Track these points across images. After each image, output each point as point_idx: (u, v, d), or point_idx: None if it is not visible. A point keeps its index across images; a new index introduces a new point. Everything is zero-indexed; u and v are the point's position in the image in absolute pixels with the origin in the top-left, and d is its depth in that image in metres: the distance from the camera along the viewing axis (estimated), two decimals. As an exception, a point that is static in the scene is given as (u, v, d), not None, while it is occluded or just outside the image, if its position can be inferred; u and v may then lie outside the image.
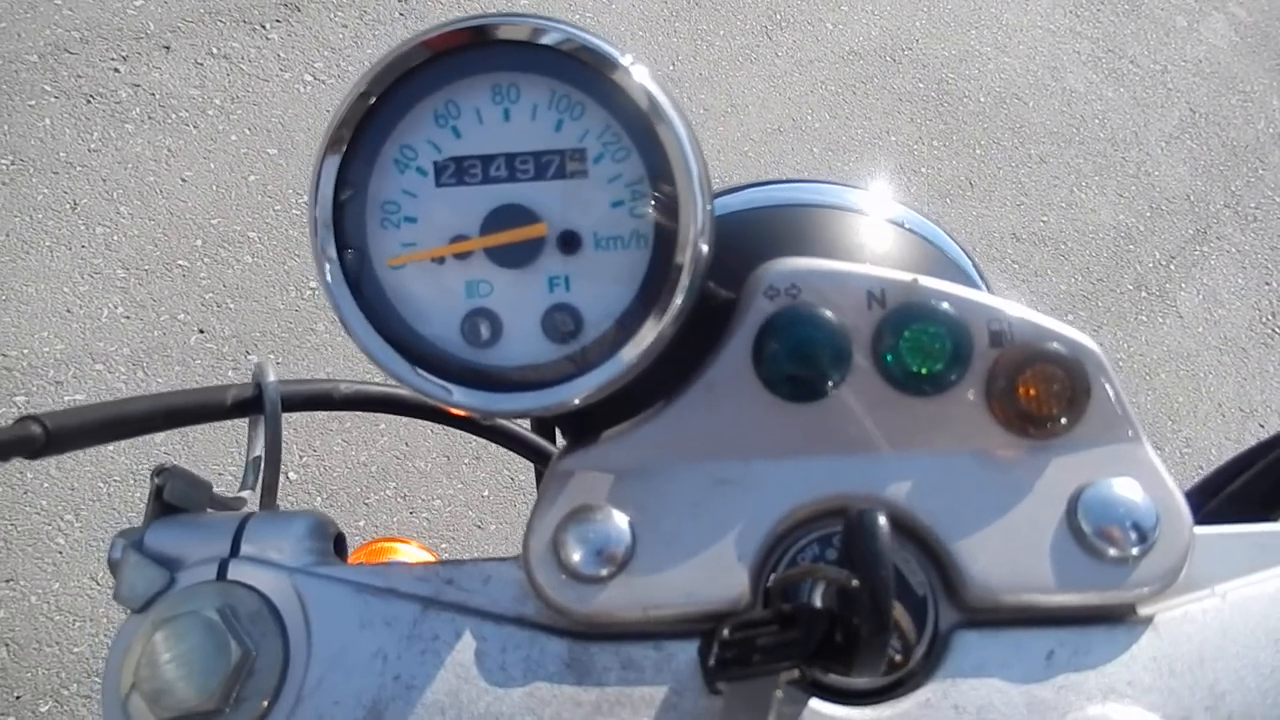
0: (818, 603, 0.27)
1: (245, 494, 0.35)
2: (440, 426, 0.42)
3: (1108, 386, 0.29)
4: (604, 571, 0.28)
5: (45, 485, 1.61)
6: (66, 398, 1.68)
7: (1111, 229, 2.59)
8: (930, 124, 2.58)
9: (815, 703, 0.27)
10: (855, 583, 0.23)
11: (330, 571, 0.29)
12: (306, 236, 0.27)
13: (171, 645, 0.28)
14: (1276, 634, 0.26)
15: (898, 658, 0.27)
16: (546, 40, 0.27)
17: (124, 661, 0.28)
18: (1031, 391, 0.28)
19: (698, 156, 0.28)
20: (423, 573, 0.29)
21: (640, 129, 0.28)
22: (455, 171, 0.28)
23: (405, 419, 0.40)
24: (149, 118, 2.08)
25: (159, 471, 0.33)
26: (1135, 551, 0.27)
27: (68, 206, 1.92)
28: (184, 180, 2.02)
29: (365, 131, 0.28)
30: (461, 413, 0.38)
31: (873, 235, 0.42)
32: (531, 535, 0.28)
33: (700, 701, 0.25)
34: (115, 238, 1.90)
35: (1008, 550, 0.27)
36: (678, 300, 0.28)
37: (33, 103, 2.02)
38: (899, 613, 0.27)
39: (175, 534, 0.31)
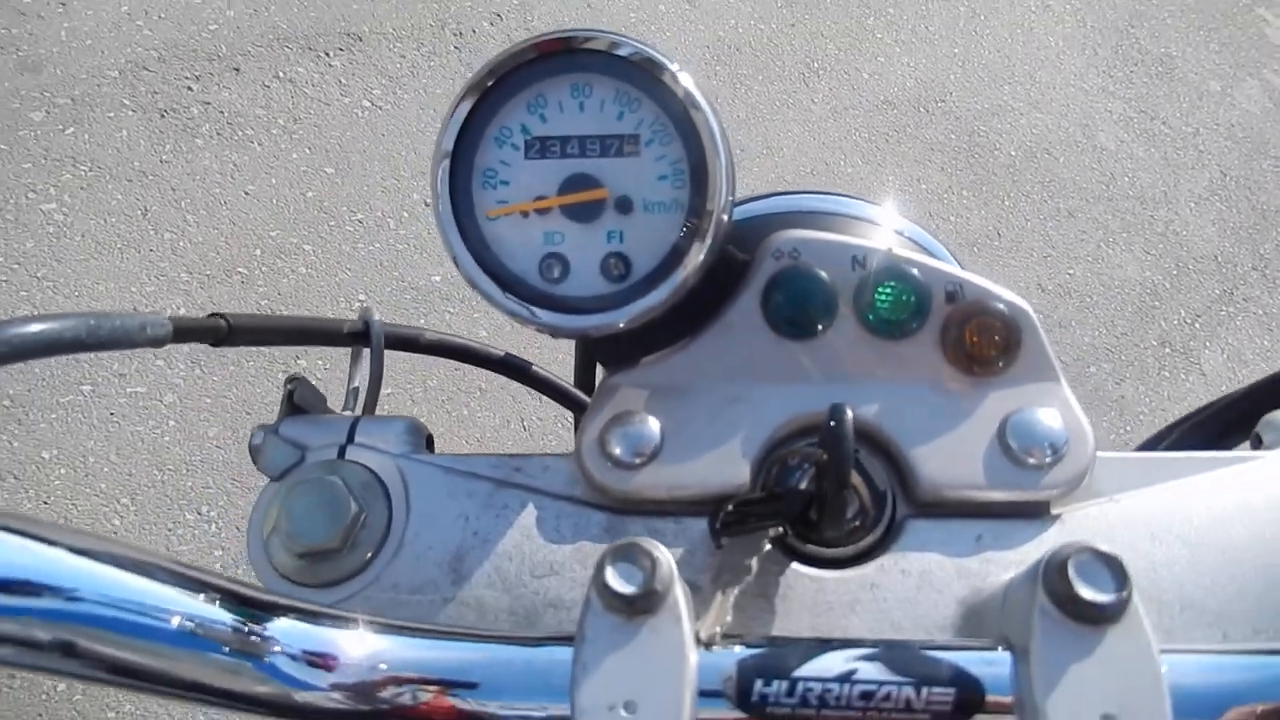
0: (800, 486, 0.34)
1: (347, 413, 0.43)
2: (499, 378, 0.50)
3: (1036, 337, 0.37)
4: (638, 461, 0.36)
5: (105, 469, 1.71)
6: (129, 389, 1.79)
7: (1138, 285, 2.62)
8: (960, 174, 2.66)
9: (796, 565, 0.34)
10: (825, 456, 0.31)
11: (424, 458, 0.37)
12: (429, 197, 0.35)
13: (304, 502, 0.36)
14: (1152, 529, 0.33)
15: (863, 535, 0.35)
16: (618, 51, 0.36)
17: (265, 514, 0.36)
18: (975, 338, 0.36)
19: (725, 145, 0.37)
20: (496, 461, 0.37)
21: (682, 121, 0.37)
22: (540, 148, 0.37)
23: (472, 369, 0.48)
24: (217, 134, 2.21)
25: (291, 380, 0.41)
26: (1049, 461, 0.34)
27: (139, 212, 2.05)
28: (247, 193, 2.14)
29: (473, 115, 0.37)
30: (524, 372, 0.47)
31: (873, 237, 0.50)
32: (583, 433, 0.36)
33: (707, 559, 0.32)
34: (181, 244, 2.02)
35: (951, 458, 0.35)
36: (701, 254, 0.37)
37: (112, 115, 2.16)
38: (863, 493, 0.35)
39: (302, 427, 0.39)
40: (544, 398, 0.51)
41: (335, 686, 0.28)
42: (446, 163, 0.36)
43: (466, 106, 0.36)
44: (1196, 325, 2.61)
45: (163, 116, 2.19)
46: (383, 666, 0.28)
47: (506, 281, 0.37)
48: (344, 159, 2.27)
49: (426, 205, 2.22)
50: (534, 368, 0.49)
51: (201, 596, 0.28)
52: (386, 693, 0.28)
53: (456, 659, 0.28)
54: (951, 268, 0.38)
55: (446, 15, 2.62)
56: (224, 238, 2.05)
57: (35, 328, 0.31)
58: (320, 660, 0.28)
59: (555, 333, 0.37)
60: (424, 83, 2.48)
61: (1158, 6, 3.20)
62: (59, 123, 2.12)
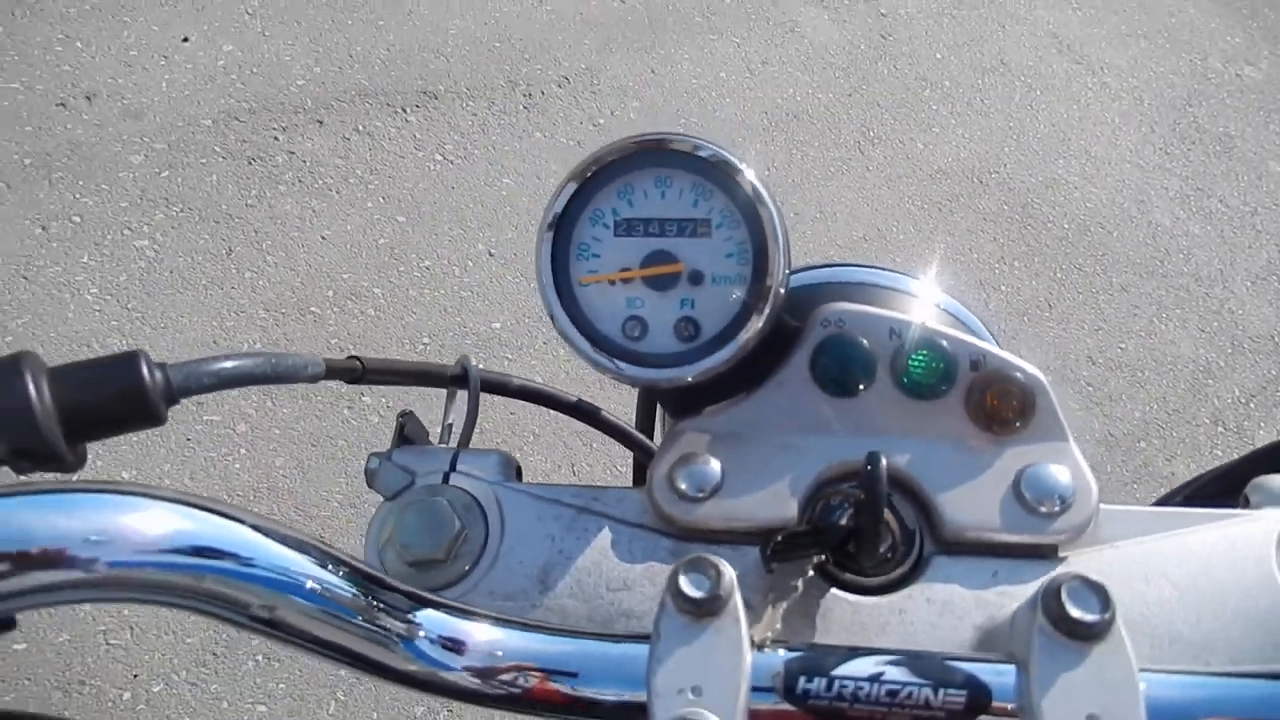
0: (841, 522, 0.40)
1: (444, 445, 0.50)
2: (571, 420, 0.56)
3: (1050, 403, 0.42)
4: (700, 495, 0.42)
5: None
6: (205, 418, 1.89)
7: (1191, 363, 2.62)
8: (1012, 245, 2.70)
9: (835, 590, 0.40)
10: (863, 496, 0.37)
11: (516, 486, 0.44)
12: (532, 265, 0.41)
13: (414, 519, 0.42)
14: (1146, 572, 0.38)
15: (893, 567, 0.40)
16: (699, 153, 0.44)
17: (381, 528, 0.43)
18: (996, 402, 0.42)
19: (783, 231, 0.44)
20: (576, 491, 0.43)
21: (748, 211, 0.44)
22: (627, 227, 0.44)
23: (529, 419, 0.55)
24: (299, 181, 2.35)
25: (402, 415, 0.48)
26: (1058, 510, 0.39)
27: (224, 252, 2.18)
28: (323, 238, 2.26)
29: (573, 197, 0.44)
30: (595, 415, 0.53)
31: (911, 309, 0.56)
32: (654, 470, 0.43)
33: (759, 581, 0.38)
34: (260, 282, 2.14)
35: (972, 503, 0.40)
36: (760, 322, 0.43)
37: (204, 160, 2.31)
38: (895, 530, 0.40)
39: (411, 456, 0.45)
40: (594, 445, 0.57)
41: (466, 668, 0.34)
42: (550, 236, 0.43)
43: (571, 189, 0.44)
44: (1251, 405, 2.59)
45: (250, 163, 2.33)
46: (499, 654, 0.35)
47: (594, 339, 0.44)
48: (415, 209, 2.38)
49: (490, 255, 2.32)
50: (602, 413, 0.55)
51: (364, 583, 0.34)
52: (505, 676, 0.34)
53: (558, 651, 0.35)
54: (976, 340, 0.44)
55: (518, 77, 2.75)
56: (300, 278, 2.17)
57: (230, 364, 0.38)
58: (454, 646, 0.34)
59: (634, 383, 0.44)
60: (494, 139, 2.60)
61: (1217, 87, 3.23)
62: (156, 166, 2.27)
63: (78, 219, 2.15)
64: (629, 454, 0.60)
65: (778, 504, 0.41)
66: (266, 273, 2.16)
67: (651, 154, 0.43)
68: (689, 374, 0.44)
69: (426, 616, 0.35)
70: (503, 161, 2.56)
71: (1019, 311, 2.58)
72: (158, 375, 0.36)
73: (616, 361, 0.44)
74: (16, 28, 2.40)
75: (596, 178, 0.44)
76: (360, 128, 2.49)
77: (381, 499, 0.45)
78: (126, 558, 0.28)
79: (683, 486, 0.42)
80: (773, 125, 2.87)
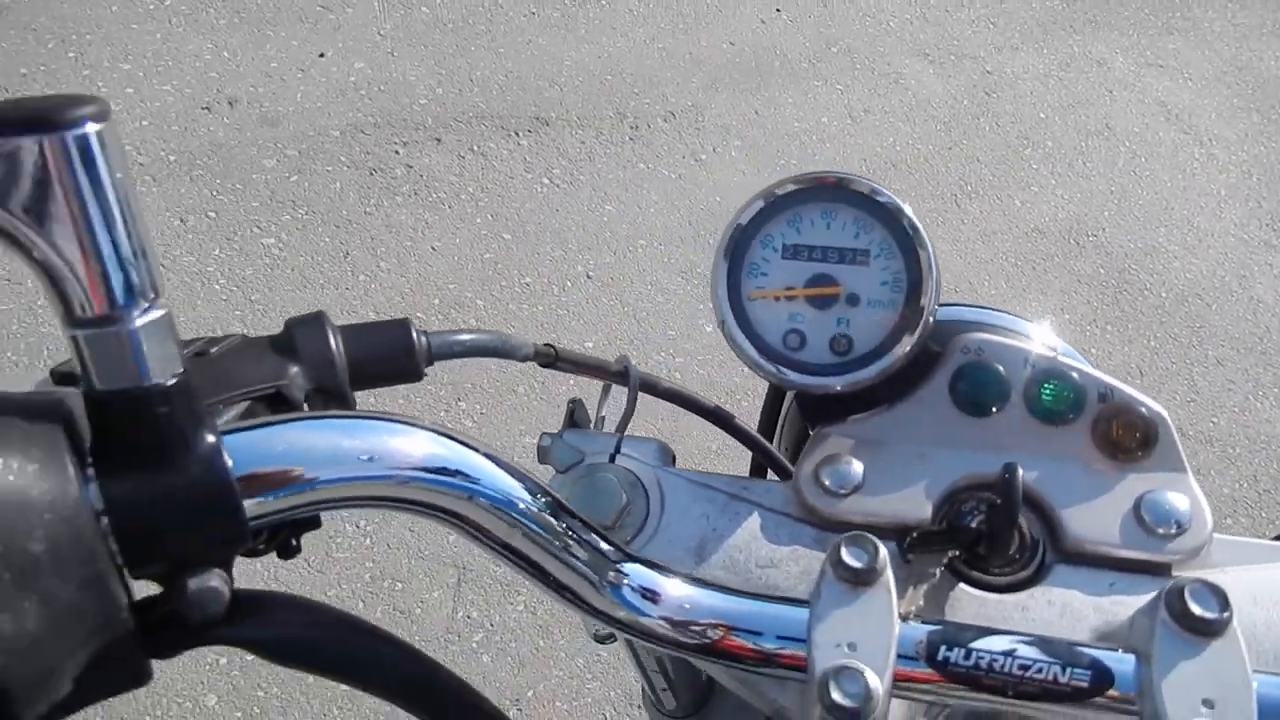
0: (972, 525, 0.45)
1: (604, 432, 0.56)
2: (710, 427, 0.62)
3: (1171, 437, 0.47)
4: (843, 491, 0.47)
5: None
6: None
7: (1285, 442, 2.56)
8: (1106, 309, 2.68)
9: (964, 586, 0.44)
10: (998, 501, 0.42)
11: (673, 470, 0.50)
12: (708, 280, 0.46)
13: (586, 489, 0.48)
14: (1255, 594, 0.42)
15: (1018, 570, 0.45)
16: (875, 197, 0.50)
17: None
18: (1120, 432, 0.46)
19: (936, 266, 0.49)
20: (728, 480, 0.49)
21: (906, 246, 0.49)
22: (793, 252, 0.50)
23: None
24: (415, 194, 2.47)
25: (572, 401, 0.55)
26: (1174, 533, 0.44)
27: (342, 255, 2.30)
28: (433, 249, 2.38)
29: (748, 225, 0.50)
30: (731, 424, 0.59)
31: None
32: (801, 467, 0.48)
33: (896, 571, 0.43)
34: (373, 286, 2.26)
35: (1094, 520, 0.45)
36: (910, 345, 0.49)
37: (329, 169, 2.45)
38: (1022, 535, 0.45)
39: (580, 437, 0.52)
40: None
41: (661, 617, 0.40)
42: (727, 257, 0.50)
43: (750, 213, 0.50)
44: (1346, 491, 2.52)
45: (371, 174, 2.47)
46: (687, 607, 0.40)
47: (759, 346, 0.50)
48: (521, 228, 2.49)
49: (589, 278, 2.41)
50: (735, 419, 0.61)
51: (585, 530, 0.40)
52: (695, 628, 0.40)
53: (734, 608, 0.40)
54: (1104, 375, 0.48)
55: (626, 109, 2.85)
56: (409, 285, 2.28)
57: (470, 337, 0.45)
58: (651, 596, 0.40)
59: (790, 387, 0.50)
60: (599, 167, 2.70)
61: (1330, 164, 3.17)
62: (286, 170, 2.42)
63: (213, 214, 2.30)
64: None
65: (913, 505, 0.46)
66: (379, 277, 2.28)
67: (823, 189, 0.49)
68: (837, 384, 0.49)
69: (631, 568, 0.40)
70: (606, 189, 2.65)
71: (1110, 375, 2.56)
72: (422, 340, 0.44)
73: (779, 367, 0.50)
74: (172, 35, 2.59)
75: (770, 207, 0.50)
76: (475, 147, 2.61)
77: (554, 472, 0.51)
78: (401, 473, 0.34)
79: (827, 482, 0.47)
80: (871, 172, 2.91)
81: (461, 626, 1.89)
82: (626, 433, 0.53)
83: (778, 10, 3.28)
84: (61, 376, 0.35)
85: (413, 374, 0.44)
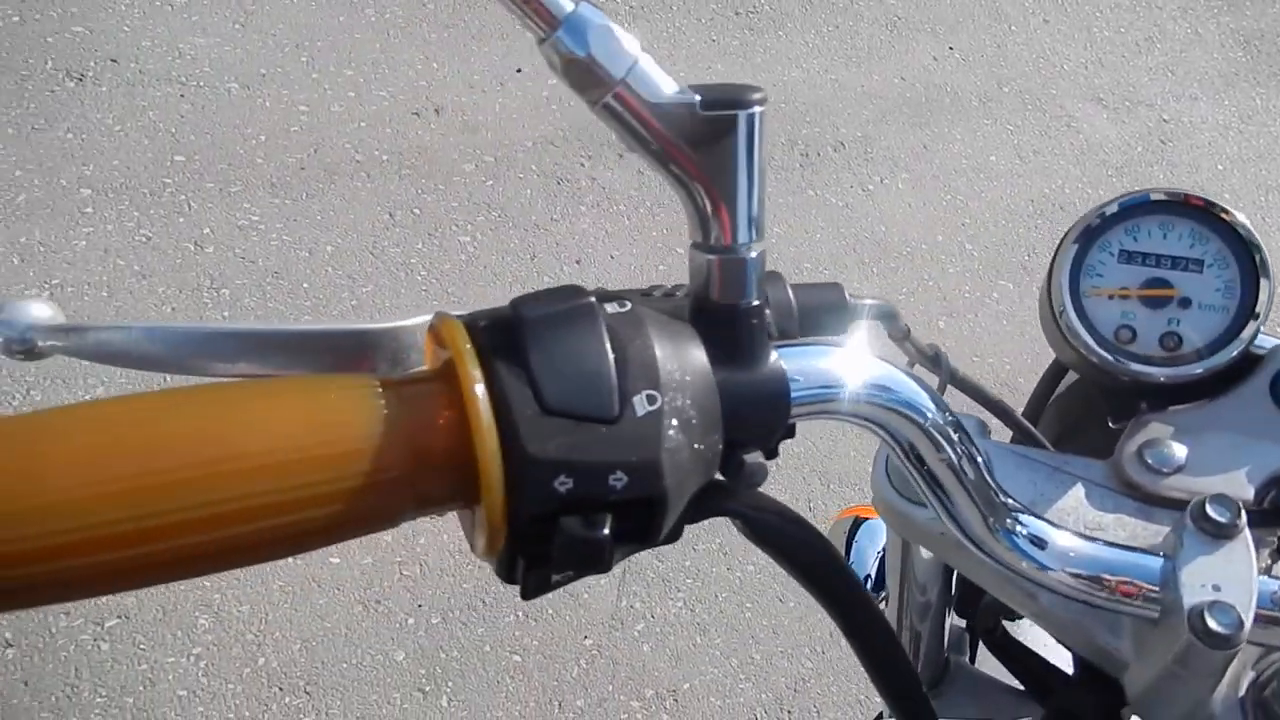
0: None
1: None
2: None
3: None
4: (1165, 471, 0.54)
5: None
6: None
7: None
8: (1281, 365, 2.60)
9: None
10: None
11: (996, 442, 0.57)
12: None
13: None
14: None
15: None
16: (1222, 216, 0.57)
17: (890, 458, 0.58)
18: None
19: (1272, 279, 0.56)
20: (1049, 455, 0.56)
21: (1242, 258, 0.56)
22: (1129, 257, 0.58)
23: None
24: (597, 205, 2.61)
25: None
26: None
27: (529, 257, 2.46)
28: (612, 257, 2.51)
29: (1093, 232, 0.58)
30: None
31: None
32: (1123, 446, 0.55)
33: None
34: (557, 288, 2.40)
35: None
36: (1238, 349, 0.55)
37: (521, 176, 2.62)
38: None
39: None
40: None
41: (1042, 566, 0.47)
42: (1073, 253, 0.58)
43: (1099, 218, 0.58)
44: None
45: (558, 184, 2.63)
46: (1072, 555, 0.47)
47: (1095, 338, 0.57)
48: (693, 244, 2.60)
49: (758, 296, 2.50)
50: (1017, 413, 0.68)
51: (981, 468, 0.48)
52: (1082, 575, 0.47)
53: (1109, 558, 0.47)
54: None
55: (797, 137, 2.94)
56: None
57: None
58: (1041, 544, 0.47)
59: (1121, 375, 0.57)
60: (769, 191, 2.78)
61: None
62: (483, 175, 2.60)
63: (417, 211, 2.49)
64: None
65: (1236, 487, 0.53)
66: (561, 279, 2.42)
67: (1162, 205, 0.57)
68: (1160, 376, 0.56)
69: (1023, 519, 0.48)
70: (774, 212, 2.74)
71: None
72: (855, 304, 0.53)
73: (1116, 356, 0.57)
74: (389, 46, 2.81)
75: (1112, 216, 0.58)
76: (654, 165, 2.74)
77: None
78: (881, 399, 0.43)
79: (1150, 461, 0.54)
80: (1038, 213, 2.91)
81: (625, 615, 1.99)
82: None
83: (950, 48, 3.32)
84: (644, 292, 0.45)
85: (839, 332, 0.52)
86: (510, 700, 1.86)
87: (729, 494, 0.42)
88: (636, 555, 0.40)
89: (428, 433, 0.35)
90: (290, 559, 1.95)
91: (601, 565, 0.36)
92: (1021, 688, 0.78)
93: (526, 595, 0.38)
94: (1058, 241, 0.60)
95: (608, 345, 0.36)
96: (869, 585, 0.82)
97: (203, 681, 1.80)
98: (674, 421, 0.36)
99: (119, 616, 1.85)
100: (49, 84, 2.58)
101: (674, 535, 0.40)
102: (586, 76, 0.36)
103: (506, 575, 0.37)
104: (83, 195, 2.39)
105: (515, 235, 2.50)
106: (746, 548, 2.28)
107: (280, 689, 1.81)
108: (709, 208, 0.39)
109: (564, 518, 0.34)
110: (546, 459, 0.34)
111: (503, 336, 0.36)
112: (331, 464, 0.34)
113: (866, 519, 0.86)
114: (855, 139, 2.98)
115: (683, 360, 0.37)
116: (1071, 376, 0.73)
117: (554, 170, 2.65)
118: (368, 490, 0.34)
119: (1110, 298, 0.58)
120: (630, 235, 2.58)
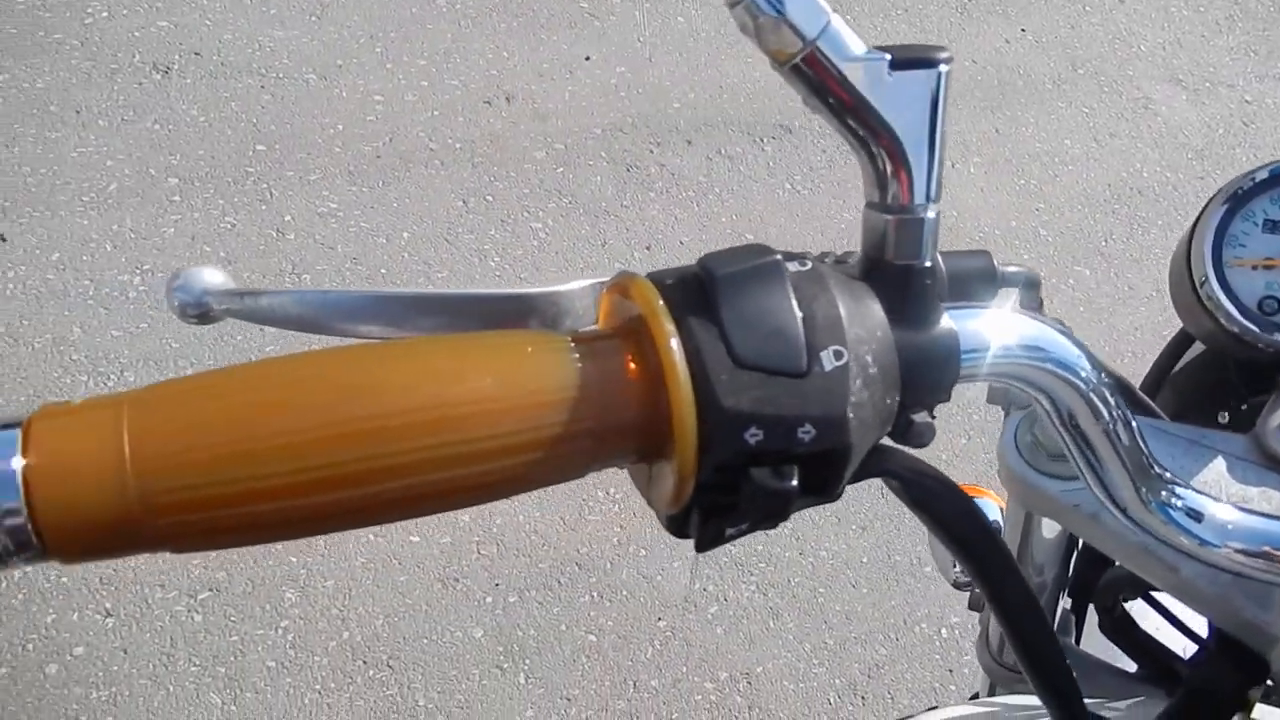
0: None
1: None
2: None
3: None
4: (1303, 446, 0.54)
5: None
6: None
7: None
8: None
9: None
10: None
11: (1153, 421, 0.57)
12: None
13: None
14: None
15: None
16: None
17: (1021, 428, 0.58)
18: None
19: None
20: (1183, 427, 0.56)
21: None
22: (1273, 227, 0.57)
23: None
24: (666, 191, 2.62)
25: None
26: None
27: (599, 244, 2.48)
28: (682, 243, 2.52)
29: (1236, 201, 0.58)
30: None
31: None
32: (1267, 421, 0.55)
33: None
34: (628, 273, 2.42)
35: None
36: None
37: (591, 163, 2.64)
38: None
39: None
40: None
41: (1202, 540, 0.47)
42: (1216, 222, 0.57)
43: (1240, 187, 0.57)
44: None
45: (627, 171, 2.64)
46: (1231, 528, 0.47)
47: (1240, 308, 0.57)
48: (762, 229, 2.59)
49: (828, 281, 2.49)
50: (1135, 390, 0.68)
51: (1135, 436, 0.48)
52: (1244, 549, 0.47)
53: (1272, 530, 0.47)
54: None
55: (866, 121, 2.91)
56: (660, 276, 2.43)
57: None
58: (1198, 517, 0.47)
59: (1268, 346, 0.56)
60: (838, 177, 2.77)
61: None
62: (553, 162, 2.62)
63: (490, 198, 2.52)
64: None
65: None
66: (631, 265, 2.44)
67: (1304, 175, 0.56)
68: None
69: (1178, 490, 0.48)
70: (845, 197, 2.73)
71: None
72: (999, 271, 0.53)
73: (1261, 326, 0.57)
74: (461, 36, 2.85)
75: (1261, 183, 0.57)
76: (722, 151, 2.74)
77: (1015, 407, 0.60)
78: (1045, 362, 0.43)
79: None
80: (1115, 198, 2.85)
81: (698, 598, 2.00)
82: None
83: (1022, 30, 3.26)
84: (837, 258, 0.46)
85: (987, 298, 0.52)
86: (586, 679, 1.88)
87: (887, 455, 0.42)
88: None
89: (619, 386, 0.36)
90: (371, 535, 2.00)
91: (783, 516, 0.37)
92: (1129, 670, 0.77)
93: (701, 547, 0.39)
94: (1198, 211, 0.60)
95: (794, 302, 0.37)
96: None
97: (290, 654, 1.86)
98: (859, 378, 0.37)
99: (210, 589, 1.92)
100: (137, 76, 2.66)
101: (840, 493, 0.41)
102: (779, 37, 0.37)
103: (679, 529, 0.38)
104: (170, 184, 2.47)
105: (585, 221, 2.52)
106: (819, 533, 2.29)
107: (364, 662, 1.86)
108: (888, 168, 0.39)
109: (754, 469, 0.35)
110: (739, 411, 0.35)
111: (694, 293, 0.37)
112: (531, 414, 0.35)
113: (973, 498, 0.85)
114: (925, 123, 2.95)
115: (864, 318, 0.38)
116: (1193, 351, 0.72)
117: (623, 157, 2.67)
118: (560, 441, 0.36)
119: (1254, 268, 0.57)
120: (699, 221, 2.58)
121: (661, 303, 0.36)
